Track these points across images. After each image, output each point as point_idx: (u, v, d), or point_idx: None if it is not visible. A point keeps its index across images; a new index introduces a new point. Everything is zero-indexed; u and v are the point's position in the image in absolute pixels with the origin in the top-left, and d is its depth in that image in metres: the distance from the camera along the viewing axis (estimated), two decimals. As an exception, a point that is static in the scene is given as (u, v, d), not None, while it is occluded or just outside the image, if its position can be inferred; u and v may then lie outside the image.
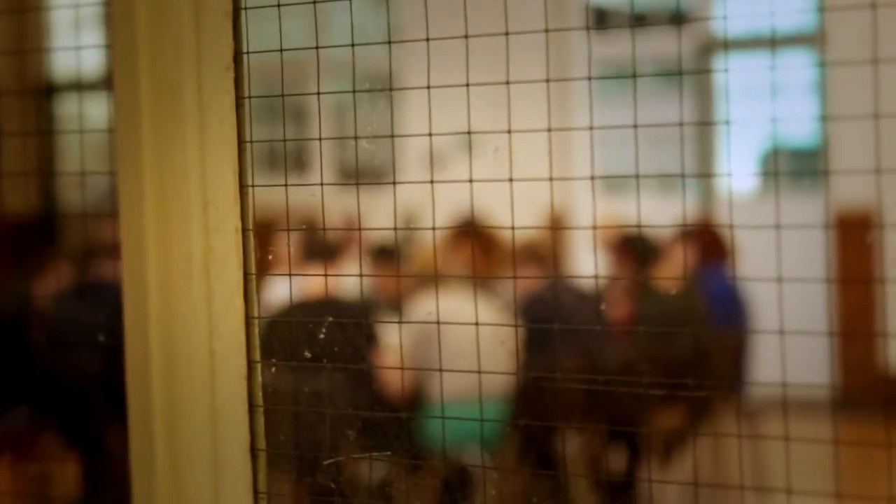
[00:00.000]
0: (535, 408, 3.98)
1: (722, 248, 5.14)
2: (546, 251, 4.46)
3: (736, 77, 7.06)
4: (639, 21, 7.33)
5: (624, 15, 7.11)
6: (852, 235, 6.27)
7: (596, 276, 3.97)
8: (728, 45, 7.11)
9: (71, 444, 4.63)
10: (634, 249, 4.51)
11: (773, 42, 5.68)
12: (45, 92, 9.29)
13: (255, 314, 1.11)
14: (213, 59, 1.14)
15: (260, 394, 1.14)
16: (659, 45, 7.38)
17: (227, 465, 1.13)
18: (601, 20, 7.29)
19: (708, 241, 5.11)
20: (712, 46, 7.41)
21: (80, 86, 9.03)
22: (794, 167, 7.79)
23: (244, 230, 1.16)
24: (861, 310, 6.08)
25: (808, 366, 5.61)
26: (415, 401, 4.10)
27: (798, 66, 7.32)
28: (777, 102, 6.86)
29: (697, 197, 7.49)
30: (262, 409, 1.15)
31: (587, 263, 7.10)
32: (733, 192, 7.36)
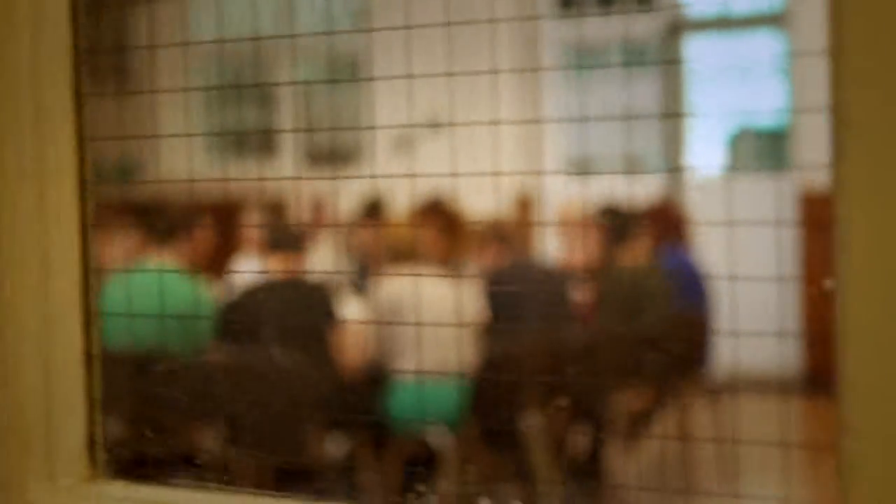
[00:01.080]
0: (498, 386, 4.00)
1: (682, 228, 5.17)
2: (511, 231, 4.48)
3: (703, 59, 7.09)
4: (606, 3, 7.34)
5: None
6: (816, 216, 6.32)
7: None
8: (695, 26, 7.14)
9: None
10: (606, 226, 4.54)
11: (737, 22, 5.69)
12: None
13: (91, 222, 1.11)
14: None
15: (95, 301, 1.15)
16: (626, 26, 7.36)
17: (60, 371, 1.14)
18: (568, 3, 7.30)
19: (668, 221, 5.15)
20: (680, 28, 7.43)
21: None
22: (760, 149, 7.84)
23: (80, 141, 1.16)
24: (823, 296, 6.12)
25: (770, 344, 5.67)
26: (378, 377, 4.11)
27: (765, 47, 7.36)
28: (744, 84, 6.89)
29: (663, 178, 7.52)
30: (97, 317, 1.15)
31: (553, 242, 7.13)
32: (699, 175, 7.40)
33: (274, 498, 1.14)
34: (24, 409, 1.15)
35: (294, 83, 7.57)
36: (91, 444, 1.15)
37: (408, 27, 1.71)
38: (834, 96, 0.77)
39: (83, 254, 1.11)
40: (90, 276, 1.12)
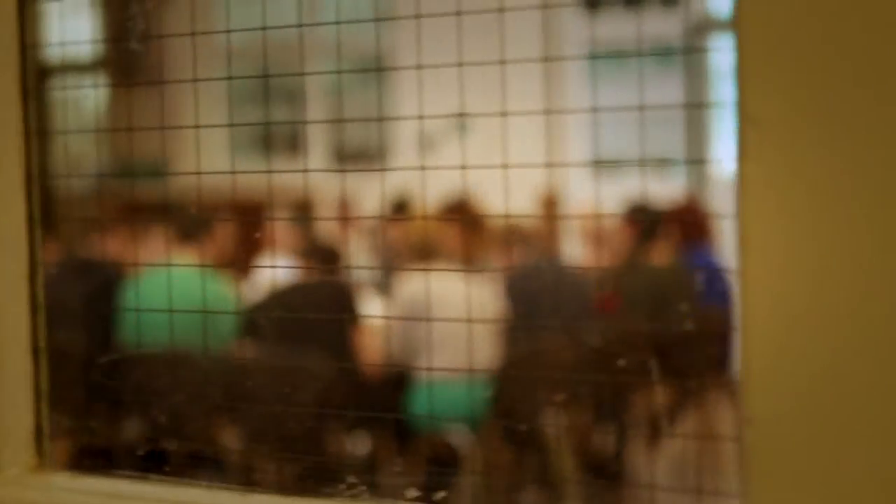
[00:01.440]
0: (518, 385, 4.01)
1: (708, 225, 5.17)
2: (536, 229, 4.48)
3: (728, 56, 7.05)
4: (630, 2, 7.33)
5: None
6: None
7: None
8: (720, 24, 7.13)
9: None
10: (634, 224, 4.53)
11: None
12: None
13: (38, 215, 1.13)
14: None
15: (42, 294, 1.16)
16: (653, 24, 7.35)
17: (7, 363, 1.16)
18: (594, 3, 7.30)
19: (694, 218, 5.14)
20: (706, 26, 7.42)
21: None
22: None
23: (26, 133, 1.17)
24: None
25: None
26: (399, 376, 4.13)
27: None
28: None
29: (690, 178, 7.51)
30: (44, 309, 1.17)
31: (579, 240, 7.13)
32: (725, 171, 7.37)
33: (214, 489, 1.16)
34: None
35: (312, 74, 7.62)
36: (38, 434, 1.17)
37: (425, 16, 1.73)
38: (738, 92, 0.78)
39: (30, 248, 1.12)
40: (36, 269, 1.14)
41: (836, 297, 0.75)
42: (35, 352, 1.14)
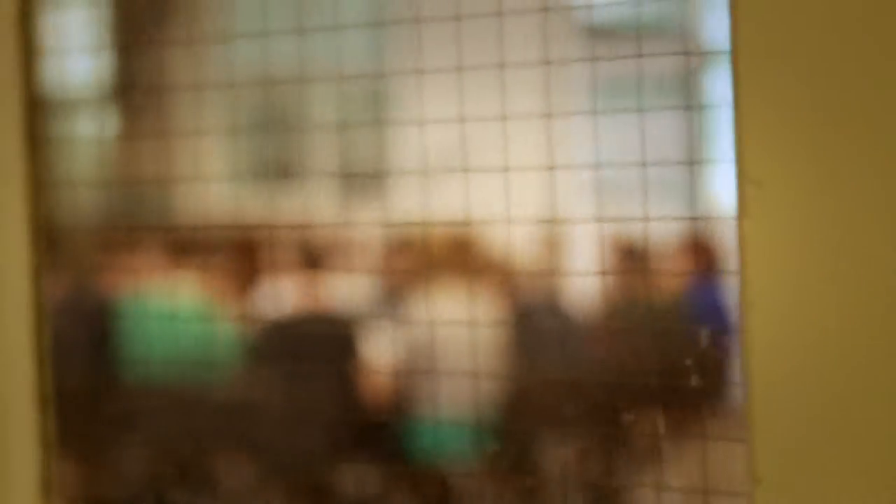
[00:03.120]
0: (516, 419, 3.99)
1: (707, 263, 5.16)
2: (534, 261, 4.47)
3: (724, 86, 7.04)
4: (635, 34, 7.34)
5: (621, 27, 7.12)
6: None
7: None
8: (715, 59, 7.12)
9: None
10: (625, 257, 4.53)
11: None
12: None
13: (43, 263, 1.12)
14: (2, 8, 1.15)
15: (49, 343, 1.16)
16: (655, 58, 7.37)
17: (13, 413, 1.15)
18: (597, 33, 7.30)
19: (700, 253, 5.13)
20: (701, 56, 7.43)
21: None
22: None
23: (34, 183, 1.17)
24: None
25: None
26: (402, 410, 4.11)
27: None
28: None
29: (687, 208, 7.49)
30: (50, 359, 1.17)
31: (577, 272, 7.11)
32: (722, 212, 7.36)
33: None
34: None
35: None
36: (46, 485, 1.16)
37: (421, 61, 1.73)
38: (737, 152, 0.79)
39: (35, 295, 1.12)
40: (42, 317, 1.14)
41: (840, 354, 0.75)
42: (42, 400, 1.14)
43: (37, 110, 1.15)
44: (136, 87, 7.52)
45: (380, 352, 4.30)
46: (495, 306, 4.50)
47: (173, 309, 4.08)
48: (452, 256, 4.54)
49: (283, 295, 4.33)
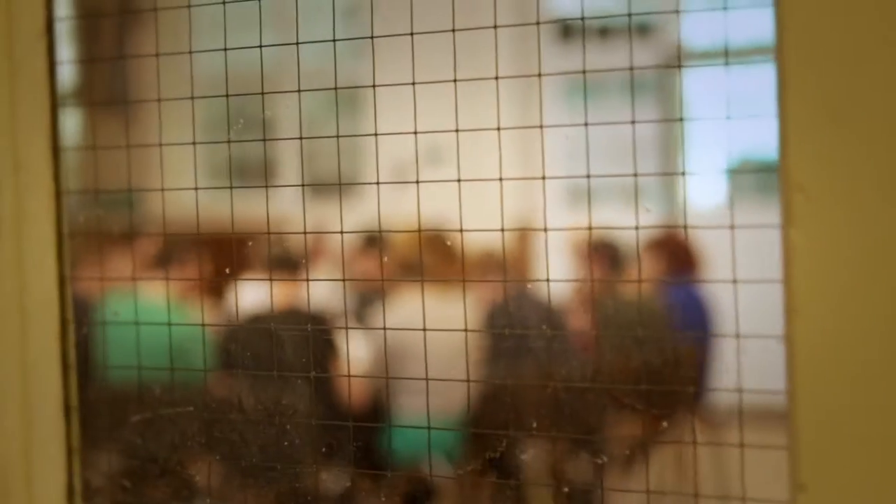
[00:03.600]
0: (495, 418, 3.98)
1: (690, 259, 5.16)
2: (510, 261, 4.46)
3: (699, 88, 7.09)
4: (603, 32, 7.36)
5: (589, 26, 7.13)
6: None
7: (548, 280, 3.95)
8: (694, 57, 7.15)
9: None
10: (604, 256, 4.53)
11: (727, 54, 5.66)
12: None
13: (68, 274, 1.11)
14: (25, 25, 1.14)
15: (73, 352, 1.15)
16: (624, 56, 7.38)
17: (39, 422, 1.14)
18: (566, 31, 7.31)
19: (675, 251, 5.13)
20: (678, 59, 7.45)
21: None
22: (757, 179, 7.83)
23: (58, 193, 1.16)
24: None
25: (766, 371, 5.63)
26: (376, 413, 4.09)
27: (760, 79, 7.35)
28: (739, 115, 6.87)
29: (664, 207, 7.51)
30: (74, 368, 1.15)
31: (551, 270, 7.12)
32: (696, 203, 7.39)
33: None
34: (4, 459, 1.14)
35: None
36: (70, 492, 1.15)
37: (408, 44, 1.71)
38: (782, 161, 0.77)
39: (61, 306, 1.11)
40: (67, 329, 1.13)
41: (885, 362, 0.73)
42: (66, 410, 1.12)
43: (60, 118, 1.14)
44: (107, 94, 7.50)
45: (356, 354, 4.29)
46: (474, 311, 4.49)
47: (150, 313, 4.05)
48: (432, 261, 4.53)
49: (258, 298, 4.30)
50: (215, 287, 5.45)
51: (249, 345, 3.83)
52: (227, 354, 3.88)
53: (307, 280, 4.38)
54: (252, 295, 4.87)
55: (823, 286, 0.75)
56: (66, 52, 1.32)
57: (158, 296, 4.03)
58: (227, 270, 6.22)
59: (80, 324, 1.22)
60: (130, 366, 4.04)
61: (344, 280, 5.28)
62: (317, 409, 3.76)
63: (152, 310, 3.97)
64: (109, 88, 7.46)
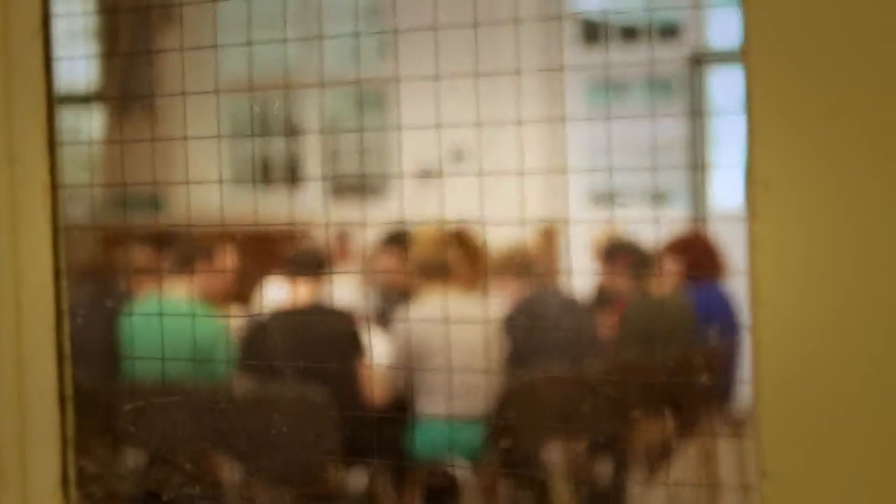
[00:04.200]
0: (519, 416, 3.99)
1: (714, 261, 5.15)
2: (533, 259, 4.47)
3: (726, 89, 7.09)
4: (629, 33, 7.35)
5: (615, 27, 7.13)
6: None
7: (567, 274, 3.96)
8: (719, 58, 7.14)
9: None
10: (626, 256, 4.53)
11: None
12: None
13: (64, 267, 1.13)
14: (21, 22, 1.16)
15: (68, 344, 1.17)
16: (651, 59, 7.33)
17: (34, 411, 1.16)
18: (591, 32, 7.31)
19: (699, 253, 5.13)
20: (703, 59, 7.45)
21: None
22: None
23: (53, 186, 1.18)
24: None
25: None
26: (402, 411, 4.10)
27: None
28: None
29: (689, 209, 7.51)
30: (69, 359, 1.17)
31: (577, 271, 7.12)
32: (725, 205, 7.38)
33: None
34: (1, 446, 1.16)
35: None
36: (65, 481, 1.17)
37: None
38: (747, 155, 0.79)
39: (56, 297, 1.13)
40: (62, 319, 1.15)
41: (848, 352, 0.75)
42: (61, 400, 1.14)
43: (56, 112, 1.16)
44: (130, 91, 7.55)
45: (382, 348, 4.30)
46: (500, 305, 4.50)
47: (175, 308, 4.08)
48: (457, 257, 4.53)
49: (285, 294, 4.32)
50: (245, 284, 5.48)
51: (274, 340, 3.86)
52: (252, 349, 3.90)
53: (330, 272, 4.41)
54: (277, 292, 4.90)
55: (786, 278, 0.77)
56: (65, 48, 1.34)
57: (184, 292, 4.06)
58: (254, 267, 6.25)
59: (74, 315, 1.24)
60: (156, 357, 4.07)
61: (364, 276, 5.30)
62: (342, 403, 3.78)
63: (177, 305, 4.00)
64: (133, 85, 7.51)
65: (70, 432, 1.16)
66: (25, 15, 1.18)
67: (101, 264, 4.87)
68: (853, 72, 0.75)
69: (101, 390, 3.99)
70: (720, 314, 4.83)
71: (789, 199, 0.77)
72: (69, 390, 1.14)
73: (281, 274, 4.24)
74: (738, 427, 4.76)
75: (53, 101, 1.18)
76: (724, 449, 4.71)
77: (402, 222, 6.65)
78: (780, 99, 0.77)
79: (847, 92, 0.75)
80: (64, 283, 1.13)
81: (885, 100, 0.74)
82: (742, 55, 0.79)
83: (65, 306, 1.14)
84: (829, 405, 0.76)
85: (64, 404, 1.15)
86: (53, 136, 1.18)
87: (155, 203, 8.12)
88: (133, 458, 3.91)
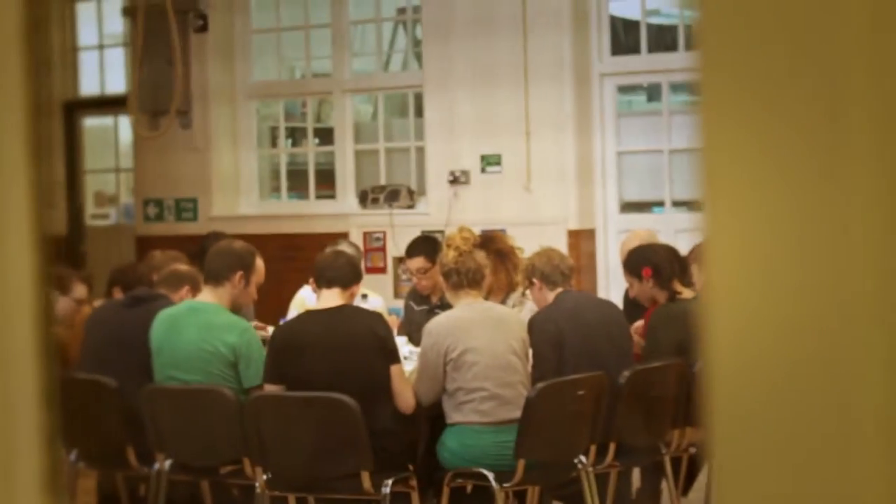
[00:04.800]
0: (551, 426, 3.99)
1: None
2: (565, 268, 4.46)
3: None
4: (662, 40, 7.35)
5: (647, 33, 7.14)
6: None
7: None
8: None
9: None
10: (653, 264, 4.51)
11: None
12: None
13: (47, 255, 1.16)
14: (4, 21, 1.19)
15: (53, 335, 1.20)
16: (683, 62, 7.32)
17: (19, 407, 1.19)
18: (621, 40, 7.32)
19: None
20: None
21: None
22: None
23: (37, 186, 1.20)
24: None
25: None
26: (434, 422, 4.11)
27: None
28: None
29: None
30: (55, 350, 1.20)
31: (609, 276, 7.13)
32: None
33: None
34: None
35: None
36: (51, 472, 1.20)
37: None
38: (699, 141, 0.83)
39: (40, 294, 1.16)
40: (47, 314, 1.18)
41: (792, 342, 0.79)
42: (47, 395, 1.17)
43: (42, 113, 1.19)
44: (162, 93, 7.62)
45: (413, 352, 4.32)
46: (531, 309, 4.50)
47: (205, 311, 4.12)
48: (489, 262, 4.54)
49: (317, 299, 4.34)
50: (277, 290, 5.52)
51: (303, 348, 3.89)
52: (283, 355, 3.93)
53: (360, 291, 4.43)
54: (310, 297, 4.94)
55: (737, 271, 0.82)
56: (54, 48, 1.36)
57: (216, 298, 4.09)
58: (287, 273, 6.28)
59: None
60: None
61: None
62: (371, 405, 3.79)
63: (209, 311, 4.04)
64: (165, 96, 7.58)
65: (55, 431, 1.19)
66: (9, 15, 1.21)
67: (135, 268, 4.92)
68: (786, 77, 0.80)
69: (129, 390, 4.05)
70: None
71: (734, 187, 0.82)
72: (55, 383, 1.18)
73: (315, 280, 4.27)
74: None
75: (39, 99, 1.21)
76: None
77: (434, 230, 6.68)
78: (727, 87, 0.81)
79: (785, 98, 0.80)
80: (48, 269, 1.16)
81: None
82: (694, 65, 0.82)
83: (49, 302, 1.17)
84: (780, 410, 0.80)
85: (49, 402, 1.18)
86: (37, 144, 1.20)
87: (188, 210, 8.15)
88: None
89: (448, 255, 4.14)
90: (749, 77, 0.81)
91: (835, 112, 0.79)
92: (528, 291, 4.53)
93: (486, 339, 3.98)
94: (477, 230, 5.70)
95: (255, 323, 4.70)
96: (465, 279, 4.06)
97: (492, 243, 4.75)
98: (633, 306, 4.79)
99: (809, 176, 0.79)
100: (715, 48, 0.82)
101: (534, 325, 4.22)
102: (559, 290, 4.34)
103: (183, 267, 4.63)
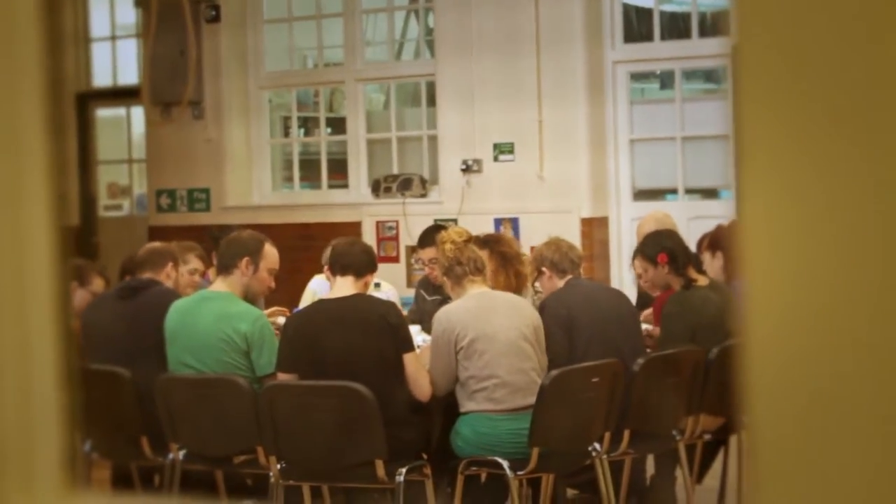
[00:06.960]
0: (563, 415, 3.98)
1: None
2: (576, 252, 4.46)
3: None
4: (675, 27, 7.33)
5: (660, 21, 7.12)
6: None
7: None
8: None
9: None
10: (668, 251, 4.49)
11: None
12: None
13: (67, 241, 1.15)
14: (23, 5, 1.18)
15: (72, 319, 1.19)
16: (696, 50, 7.30)
17: (38, 390, 1.18)
18: (635, 27, 7.30)
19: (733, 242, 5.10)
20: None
21: None
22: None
23: (56, 169, 1.20)
24: None
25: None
26: (445, 405, 4.11)
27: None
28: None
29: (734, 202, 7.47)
30: (75, 334, 1.19)
31: (622, 267, 7.10)
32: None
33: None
34: (3, 426, 1.19)
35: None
36: (69, 459, 1.20)
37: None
38: (734, 128, 0.81)
39: (60, 275, 1.15)
40: (67, 294, 1.17)
41: (839, 350, 0.78)
42: (67, 376, 1.17)
43: (60, 98, 1.18)
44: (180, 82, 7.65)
45: (426, 340, 4.32)
46: (541, 298, 4.50)
47: (218, 299, 4.12)
48: (498, 250, 4.53)
49: (330, 288, 4.34)
50: (291, 280, 5.53)
51: (319, 335, 3.89)
52: (296, 343, 3.94)
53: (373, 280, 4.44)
54: (322, 286, 4.94)
55: (775, 262, 0.80)
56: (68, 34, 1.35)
57: (230, 287, 4.10)
58: (299, 263, 6.29)
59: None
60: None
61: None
62: (385, 393, 3.79)
63: (223, 300, 4.05)
64: (181, 87, 7.60)
65: (75, 411, 1.18)
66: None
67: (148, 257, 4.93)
68: (838, 74, 0.78)
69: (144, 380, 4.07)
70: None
71: (774, 174, 0.80)
72: (74, 366, 1.17)
73: (329, 267, 4.26)
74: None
75: (58, 84, 1.20)
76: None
77: (446, 219, 6.67)
78: (766, 71, 0.79)
79: (839, 99, 0.78)
80: (68, 255, 1.15)
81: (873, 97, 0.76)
82: (730, 63, 0.81)
83: (69, 280, 1.16)
84: (821, 403, 0.78)
85: (69, 387, 1.17)
86: (57, 131, 1.19)
87: (194, 200, 8.15)
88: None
89: (446, 249, 4.13)
90: (788, 64, 0.80)
91: (876, 100, 0.78)
92: (536, 284, 4.51)
93: (496, 325, 3.97)
94: (490, 219, 5.71)
95: (275, 308, 4.73)
96: (468, 267, 4.04)
97: (497, 244, 4.69)
98: (645, 294, 4.78)
99: (849, 165, 0.78)
100: (755, 33, 0.80)
101: (545, 308, 4.22)
102: (569, 276, 4.34)
103: (157, 244, 4.72)
